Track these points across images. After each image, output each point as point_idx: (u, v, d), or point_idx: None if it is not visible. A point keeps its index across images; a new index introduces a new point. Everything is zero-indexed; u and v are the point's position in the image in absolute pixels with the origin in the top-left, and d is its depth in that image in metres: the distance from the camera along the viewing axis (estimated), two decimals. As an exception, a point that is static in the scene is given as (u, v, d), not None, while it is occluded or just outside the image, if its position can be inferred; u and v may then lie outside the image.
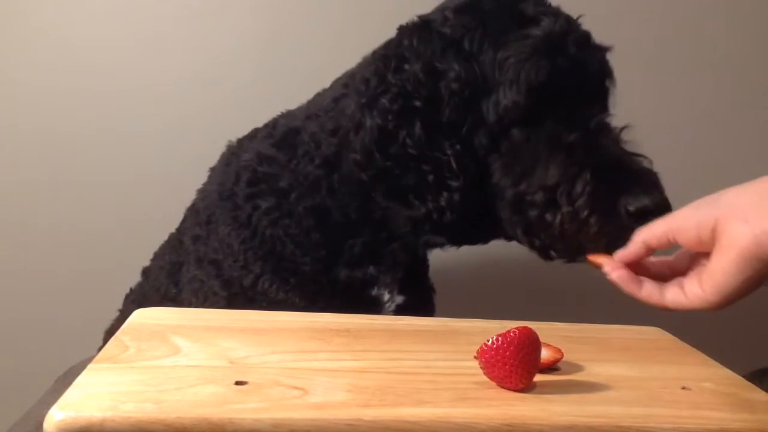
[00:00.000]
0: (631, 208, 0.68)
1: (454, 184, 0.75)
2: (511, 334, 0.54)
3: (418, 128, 0.75)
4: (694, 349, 0.70)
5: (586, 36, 0.78)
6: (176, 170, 1.21)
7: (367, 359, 0.59)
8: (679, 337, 0.73)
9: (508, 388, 0.54)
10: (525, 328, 0.55)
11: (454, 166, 0.75)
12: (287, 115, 0.91)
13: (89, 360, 0.55)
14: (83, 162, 1.24)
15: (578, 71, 0.76)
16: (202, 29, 1.22)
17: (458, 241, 0.85)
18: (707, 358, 0.68)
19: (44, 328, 1.27)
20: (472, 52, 0.76)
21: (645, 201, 0.68)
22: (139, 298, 0.98)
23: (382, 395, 0.52)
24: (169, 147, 1.24)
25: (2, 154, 1.23)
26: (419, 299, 0.94)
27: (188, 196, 0.96)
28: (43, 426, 0.46)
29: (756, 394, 0.59)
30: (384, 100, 0.76)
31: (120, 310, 1.03)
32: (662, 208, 0.68)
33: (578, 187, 0.71)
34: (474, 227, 0.81)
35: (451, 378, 0.56)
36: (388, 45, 0.81)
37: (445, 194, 0.76)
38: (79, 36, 1.20)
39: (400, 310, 0.89)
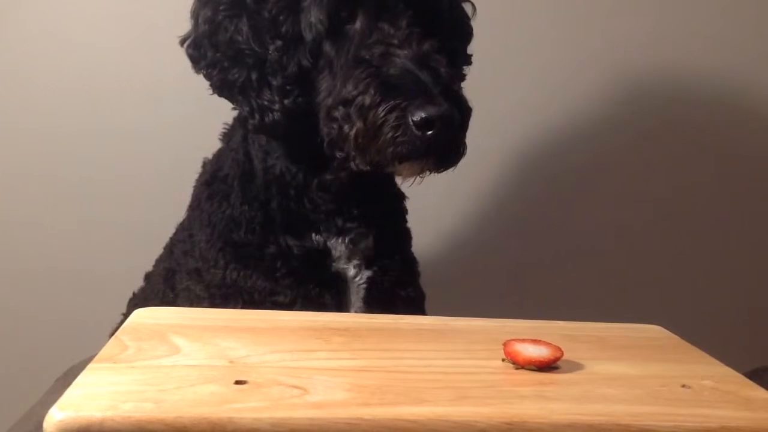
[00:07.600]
0: (415, 119, 0.71)
1: (275, 82, 0.78)
2: None
3: (245, 24, 0.78)
4: (695, 347, 0.70)
5: None
6: (182, 172, 1.21)
7: (367, 358, 0.59)
8: (679, 335, 0.73)
9: None
10: None
11: (275, 63, 0.78)
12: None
13: (89, 360, 0.55)
14: (87, 162, 1.24)
15: None
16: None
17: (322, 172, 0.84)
18: (707, 355, 0.68)
19: (44, 328, 1.27)
20: None
21: (425, 112, 0.71)
22: (141, 302, 0.99)
23: (381, 394, 0.52)
24: (175, 149, 1.24)
25: (3, 154, 1.23)
26: (396, 271, 0.92)
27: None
28: (43, 426, 0.46)
29: (756, 392, 0.59)
30: None
31: (124, 314, 1.03)
32: (443, 118, 0.71)
33: (367, 101, 0.73)
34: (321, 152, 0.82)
35: (451, 377, 0.56)
36: None
37: (267, 92, 0.78)
38: (79, 35, 1.20)
39: (373, 285, 0.88)
